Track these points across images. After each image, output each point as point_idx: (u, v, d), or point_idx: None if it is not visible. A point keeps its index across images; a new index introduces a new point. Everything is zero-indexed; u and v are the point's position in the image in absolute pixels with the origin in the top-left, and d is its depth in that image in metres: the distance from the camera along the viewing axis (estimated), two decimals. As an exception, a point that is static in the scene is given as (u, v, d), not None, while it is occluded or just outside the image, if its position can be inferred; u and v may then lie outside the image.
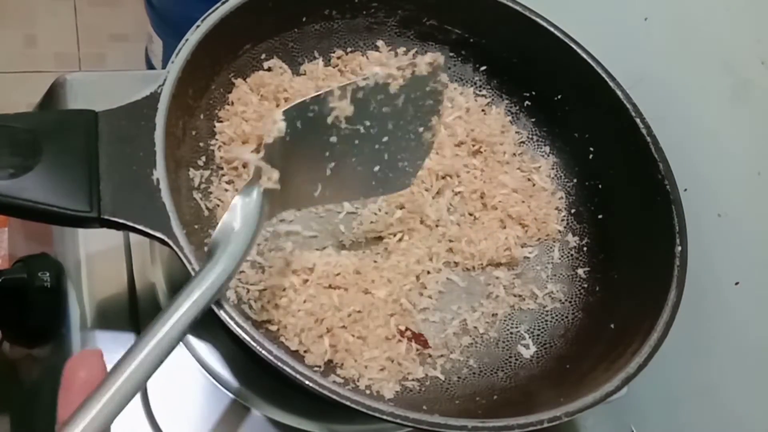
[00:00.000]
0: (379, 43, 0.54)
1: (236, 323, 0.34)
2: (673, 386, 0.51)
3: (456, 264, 0.49)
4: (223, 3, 0.44)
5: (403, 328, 0.44)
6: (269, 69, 0.50)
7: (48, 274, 0.44)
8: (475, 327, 0.46)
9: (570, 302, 0.49)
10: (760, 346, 0.45)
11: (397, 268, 0.46)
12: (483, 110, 0.54)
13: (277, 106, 0.49)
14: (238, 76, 0.48)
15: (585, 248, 0.51)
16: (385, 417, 0.34)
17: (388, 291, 0.44)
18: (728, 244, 0.47)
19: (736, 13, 0.45)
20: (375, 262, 0.46)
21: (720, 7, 0.46)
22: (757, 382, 0.46)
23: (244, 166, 0.46)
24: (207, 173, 0.46)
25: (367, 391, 0.41)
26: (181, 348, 0.39)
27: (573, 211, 0.52)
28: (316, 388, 0.34)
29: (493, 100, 0.55)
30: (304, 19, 0.50)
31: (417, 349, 0.44)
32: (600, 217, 0.51)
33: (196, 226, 0.43)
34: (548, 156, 0.54)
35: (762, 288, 0.45)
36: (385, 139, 0.41)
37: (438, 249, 0.48)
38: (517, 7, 0.51)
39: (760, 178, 0.45)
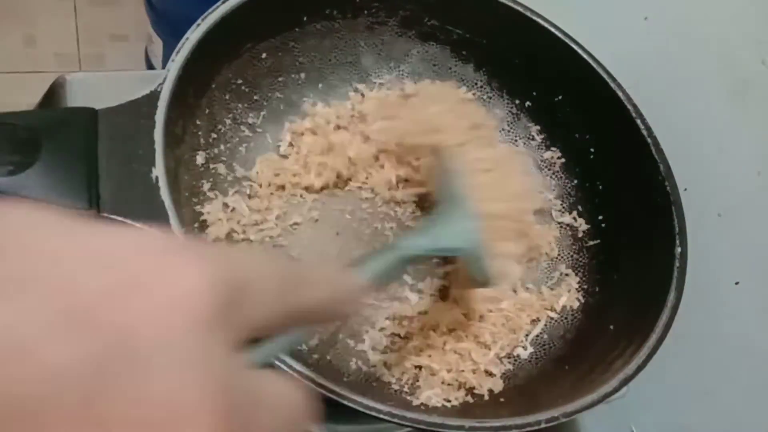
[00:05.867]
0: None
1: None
2: (673, 386, 0.51)
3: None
4: (224, 2, 0.44)
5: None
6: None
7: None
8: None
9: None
10: (760, 346, 0.45)
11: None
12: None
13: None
14: (238, 76, 0.48)
15: (585, 249, 0.51)
16: (382, 416, 0.34)
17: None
18: (728, 244, 0.47)
19: (736, 13, 0.45)
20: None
21: (720, 7, 0.46)
22: (756, 382, 0.45)
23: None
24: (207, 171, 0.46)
25: (366, 391, 0.41)
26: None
27: (573, 211, 0.52)
28: (314, 387, 0.34)
29: (493, 100, 0.55)
30: (305, 19, 0.50)
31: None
32: (600, 217, 0.51)
33: (195, 225, 0.43)
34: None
35: (762, 288, 0.45)
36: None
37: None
38: (518, 8, 0.51)
39: (760, 178, 0.45)
